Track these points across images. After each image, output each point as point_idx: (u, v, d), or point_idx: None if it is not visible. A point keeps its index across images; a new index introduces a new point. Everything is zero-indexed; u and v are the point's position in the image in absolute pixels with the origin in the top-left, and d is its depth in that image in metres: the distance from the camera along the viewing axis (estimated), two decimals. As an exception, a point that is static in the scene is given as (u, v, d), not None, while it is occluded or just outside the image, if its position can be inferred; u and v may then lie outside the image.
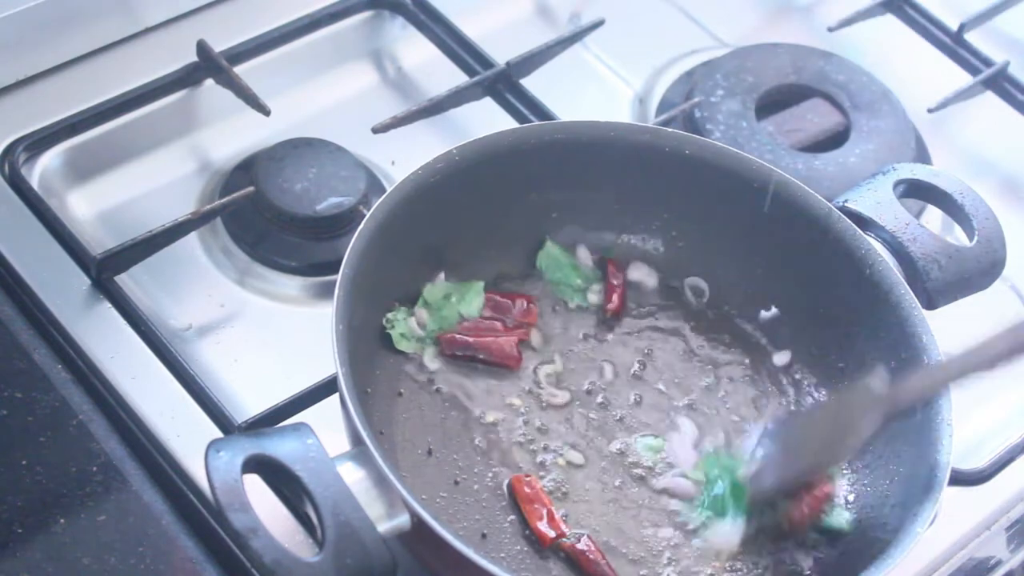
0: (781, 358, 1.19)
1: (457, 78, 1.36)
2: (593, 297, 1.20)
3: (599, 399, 1.15)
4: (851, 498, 1.11)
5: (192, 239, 1.23)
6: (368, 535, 0.92)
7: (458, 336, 1.14)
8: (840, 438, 1.08)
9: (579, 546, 1.05)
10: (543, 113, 1.34)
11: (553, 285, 1.20)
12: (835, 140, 1.41)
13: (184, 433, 1.08)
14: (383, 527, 0.94)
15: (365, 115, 1.31)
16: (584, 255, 1.22)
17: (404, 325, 1.14)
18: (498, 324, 1.16)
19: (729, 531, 1.08)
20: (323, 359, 1.02)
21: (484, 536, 1.06)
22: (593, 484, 1.10)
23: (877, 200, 1.18)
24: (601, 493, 1.10)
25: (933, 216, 1.34)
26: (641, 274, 1.22)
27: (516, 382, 1.15)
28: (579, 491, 1.09)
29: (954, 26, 1.51)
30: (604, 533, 1.07)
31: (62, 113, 1.26)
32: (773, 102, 1.42)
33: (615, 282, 1.20)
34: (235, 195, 1.22)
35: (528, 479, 1.08)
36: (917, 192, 1.22)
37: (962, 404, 1.08)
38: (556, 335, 1.18)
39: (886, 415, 1.06)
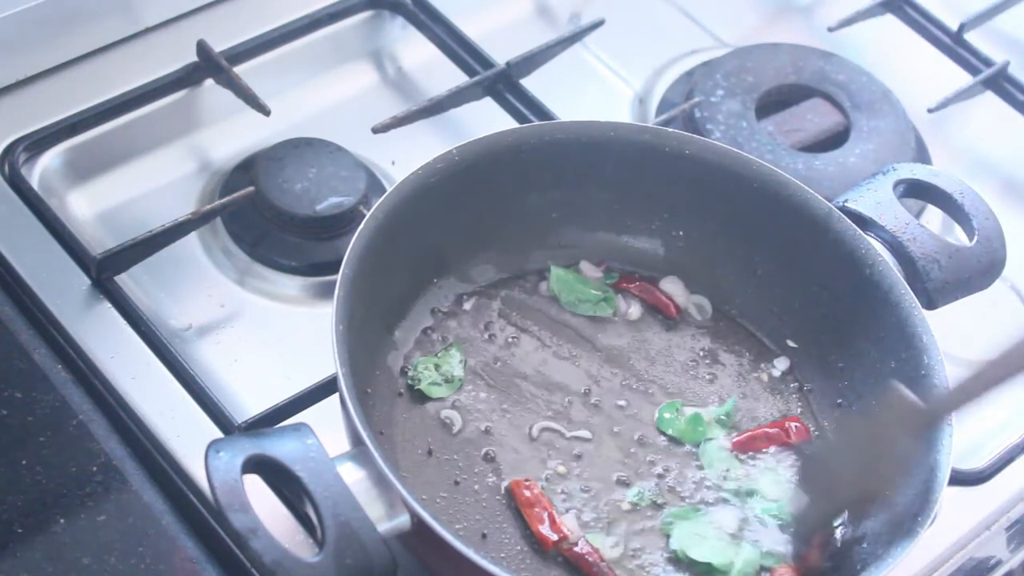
0: (781, 364, 1.19)
1: (457, 78, 1.36)
2: (612, 304, 1.21)
3: (594, 399, 1.15)
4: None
5: (192, 239, 1.23)
6: (368, 535, 0.92)
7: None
8: (880, 460, 1.05)
9: (577, 549, 1.05)
10: (543, 113, 1.34)
11: (570, 306, 1.20)
12: (835, 140, 1.41)
13: (184, 433, 1.08)
14: (383, 527, 0.94)
15: (365, 115, 1.31)
16: (588, 269, 1.22)
17: (431, 374, 1.14)
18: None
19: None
20: (323, 359, 1.02)
21: (484, 536, 1.06)
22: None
23: (877, 200, 1.18)
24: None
25: (933, 216, 1.34)
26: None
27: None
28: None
29: (954, 26, 1.51)
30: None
31: (62, 113, 1.26)
32: (773, 102, 1.42)
33: (646, 296, 1.21)
34: (235, 195, 1.22)
35: (528, 483, 1.08)
36: (917, 192, 1.22)
37: (962, 404, 1.08)
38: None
39: (925, 427, 1.04)
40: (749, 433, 1.14)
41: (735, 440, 1.13)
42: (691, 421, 1.14)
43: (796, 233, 1.17)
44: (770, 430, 1.14)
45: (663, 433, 1.14)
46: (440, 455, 1.09)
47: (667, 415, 1.14)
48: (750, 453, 1.13)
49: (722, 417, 1.15)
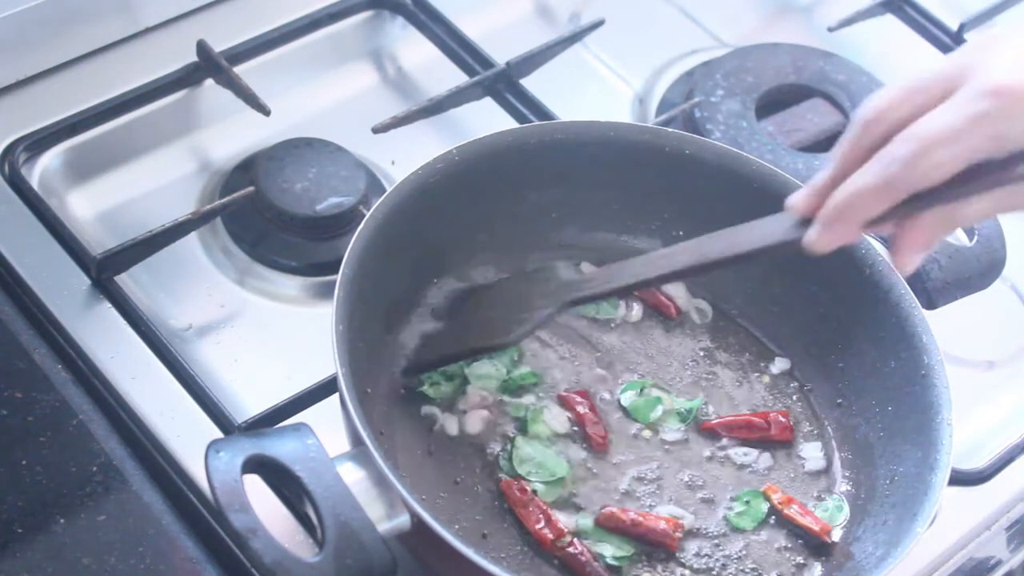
0: (781, 364, 1.19)
1: (457, 78, 1.37)
2: (613, 305, 1.21)
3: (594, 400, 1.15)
4: (849, 494, 1.11)
5: (192, 239, 1.23)
6: (368, 535, 0.92)
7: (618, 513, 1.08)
8: (516, 318, 1.10)
9: (570, 550, 1.05)
10: (543, 113, 1.34)
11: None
12: (835, 140, 1.40)
13: (184, 433, 1.08)
14: (383, 527, 0.94)
15: (365, 115, 1.31)
16: (590, 270, 1.22)
17: (431, 375, 1.13)
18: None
19: None
20: (323, 359, 1.02)
21: (484, 536, 1.06)
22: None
23: (877, 200, 1.18)
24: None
25: (933, 216, 1.34)
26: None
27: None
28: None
29: (954, 26, 1.51)
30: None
31: (62, 113, 1.26)
32: (773, 102, 1.42)
33: (647, 297, 1.21)
34: (235, 195, 1.22)
35: (519, 483, 1.08)
36: (917, 192, 1.22)
37: (962, 404, 1.08)
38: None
39: (564, 304, 1.10)
40: (729, 418, 1.14)
41: (704, 424, 1.14)
42: (649, 402, 1.14)
43: (796, 233, 1.17)
44: (754, 419, 1.14)
45: (621, 408, 1.14)
46: (440, 455, 1.10)
47: (630, 392, 1.15)
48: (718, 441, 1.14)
49: (683, 411, 1.15)
